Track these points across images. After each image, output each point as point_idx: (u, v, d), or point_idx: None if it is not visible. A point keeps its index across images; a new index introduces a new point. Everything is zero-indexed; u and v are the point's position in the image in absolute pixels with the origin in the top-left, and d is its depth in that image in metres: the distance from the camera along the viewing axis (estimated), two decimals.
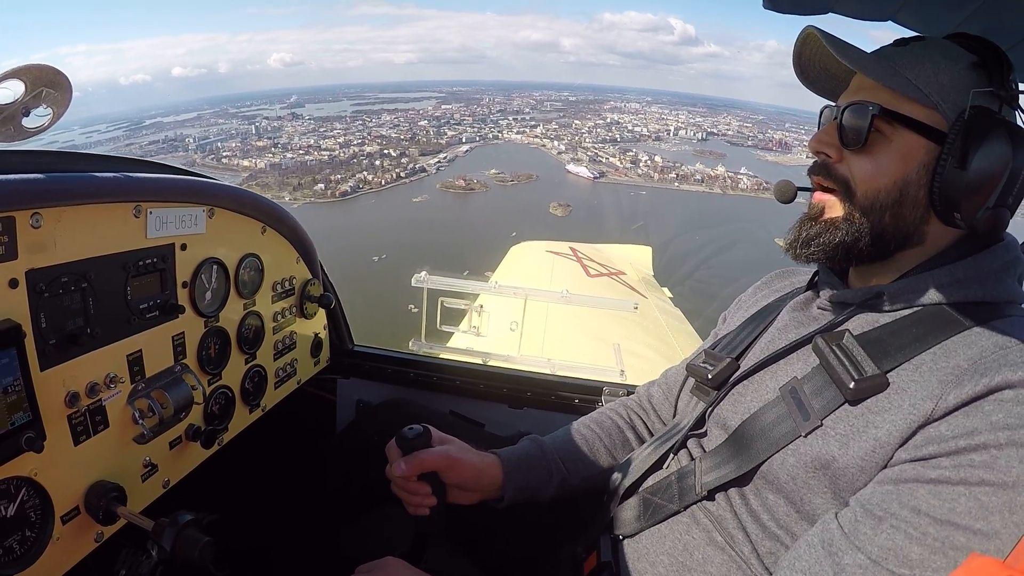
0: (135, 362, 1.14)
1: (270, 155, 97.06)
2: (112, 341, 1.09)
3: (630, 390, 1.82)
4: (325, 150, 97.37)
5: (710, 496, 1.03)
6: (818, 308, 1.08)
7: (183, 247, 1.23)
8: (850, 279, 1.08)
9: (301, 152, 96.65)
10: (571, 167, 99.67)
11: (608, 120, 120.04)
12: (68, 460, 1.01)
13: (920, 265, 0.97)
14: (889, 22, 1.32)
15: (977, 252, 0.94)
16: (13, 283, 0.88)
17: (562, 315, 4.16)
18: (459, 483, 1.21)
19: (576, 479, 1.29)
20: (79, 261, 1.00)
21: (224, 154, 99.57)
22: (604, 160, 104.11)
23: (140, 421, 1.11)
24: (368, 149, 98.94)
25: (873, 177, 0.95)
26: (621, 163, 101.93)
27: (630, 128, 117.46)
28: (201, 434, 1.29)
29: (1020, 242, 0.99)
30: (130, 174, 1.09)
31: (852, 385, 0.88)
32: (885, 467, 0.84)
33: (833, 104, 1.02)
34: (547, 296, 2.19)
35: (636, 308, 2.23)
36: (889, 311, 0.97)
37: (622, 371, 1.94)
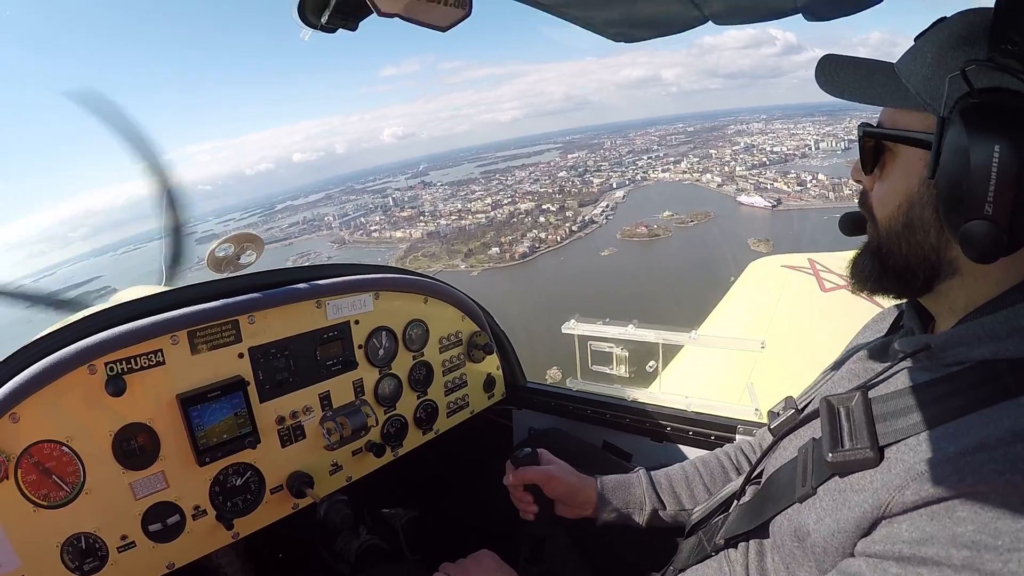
0: (325, 398, 1.87)
1: (422, 223, 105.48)
2: (308, 385, 1.82)
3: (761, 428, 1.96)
4: (479, 212, 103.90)
5: (734, 544, 1.18)
6: (880, 356, 1.11)
7: (356, 322, 1.91)
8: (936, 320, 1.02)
9: (454, 218, 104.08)
10: (743, 198, 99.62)
11: (744, 144, 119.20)
12: (277, 456, 1.77)
13: (980, 308, 0.89)
14: None
15: None
16: (240, 355, 1.66)
17: (782, 337, 4.89)
18: (556, 497, 1.58)
19: (671, 511, 1.52)
20: (282, 339, 1.75)
21: (372, 228, 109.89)
22: (769, 186, 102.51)
23: (328, 437, 1.82)
24: (523, 206, 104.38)
25: (883, 203, 0.96)
26: (788, 187, 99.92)
27: (770, 149, 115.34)
28: (376, 447, 1.99)
29: None
30: (311, 282, 1.80)
31: (830, 457, 0.90)
32: (851, 554, 0.84)
33: None
34: (679, 338, 2.49)
35: (763, 347, 2.29)
36: (931, 368, 0.92)
37: (756, 410, 2.14)
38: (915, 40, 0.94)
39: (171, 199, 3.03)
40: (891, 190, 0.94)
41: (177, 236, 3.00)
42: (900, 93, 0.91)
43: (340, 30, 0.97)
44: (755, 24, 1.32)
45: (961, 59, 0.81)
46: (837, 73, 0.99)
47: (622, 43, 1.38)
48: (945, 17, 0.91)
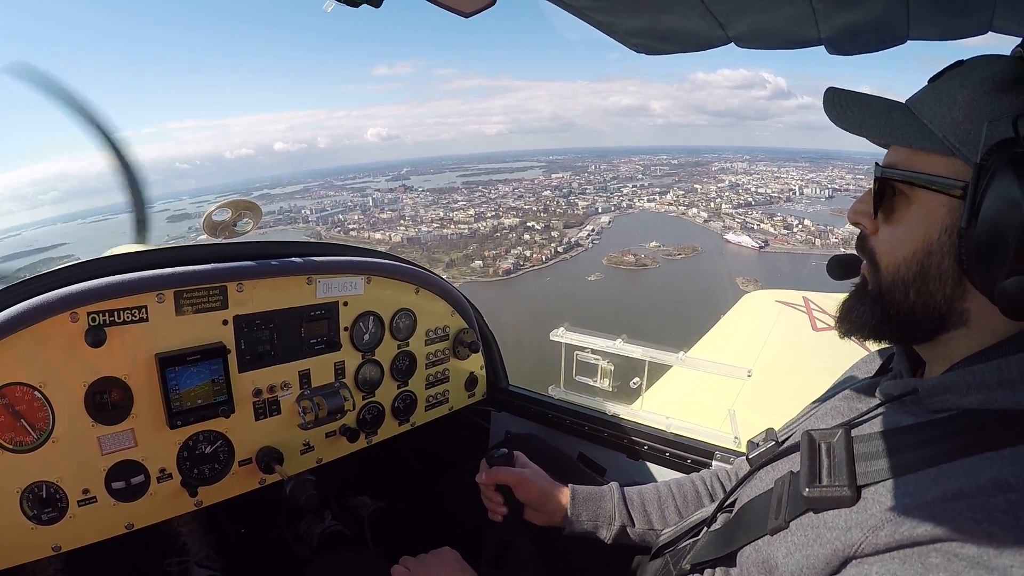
0: (304, 376, 1.88)
1: (402, 228, 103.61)
2: (288, 361, 1.84)
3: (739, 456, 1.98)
4: (462, 223, 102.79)
5: (699, 571, 1.19)
6: (866, 397, 1.11)
7: (345, 303, 1.93)
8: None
9: (436, 225, 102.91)
10: (731, 236, 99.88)
11: (728, 182, 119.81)
12: (249, 429, 1.78)
13: (972, 356, 0.88)
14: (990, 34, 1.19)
15: None
16: (224, 322, 1.68)
17: (769, 369, 4.97)
18: (527, 501, 1.59)
19: (639, 530, 1.54)
20: (268, 311, 1.76)
21: (350, 226, 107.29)
22: (756, 227, 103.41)
23: (303, 415, 1.85)
24: (507, 222, 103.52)
25: (892, 249, 0.92)
26: (775, 229, 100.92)
27: (755, 190, 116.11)
28: (350, 431, 1.98)
29: None
30: (305, 257, 1.81)
31: (806, 492, 0.90)
32: None
33: None
34: (666, 358, 2.50)
35: (750, 375, 2.34)
36: (917, 412, 0.91)
37: (736, 437, 2.16)
38: (930, 82, 0.92)
39: (128, 170, 2.98)
40: (905, 236, 0.91)
41: (137, 202, 2.94)
42: (924, 135, 0.87)
43: (364, 5, 0.95)
44: (777, 50, 1.34)
45: (999, 106, 0.80)
46: (850, 108, 0.96)
47: (643, 55, 1.38)
48: (963, 61, 0.89)
